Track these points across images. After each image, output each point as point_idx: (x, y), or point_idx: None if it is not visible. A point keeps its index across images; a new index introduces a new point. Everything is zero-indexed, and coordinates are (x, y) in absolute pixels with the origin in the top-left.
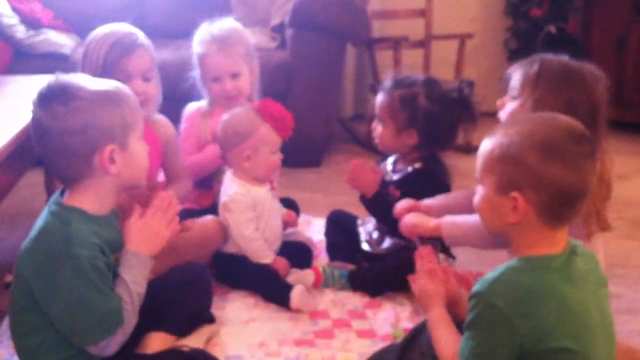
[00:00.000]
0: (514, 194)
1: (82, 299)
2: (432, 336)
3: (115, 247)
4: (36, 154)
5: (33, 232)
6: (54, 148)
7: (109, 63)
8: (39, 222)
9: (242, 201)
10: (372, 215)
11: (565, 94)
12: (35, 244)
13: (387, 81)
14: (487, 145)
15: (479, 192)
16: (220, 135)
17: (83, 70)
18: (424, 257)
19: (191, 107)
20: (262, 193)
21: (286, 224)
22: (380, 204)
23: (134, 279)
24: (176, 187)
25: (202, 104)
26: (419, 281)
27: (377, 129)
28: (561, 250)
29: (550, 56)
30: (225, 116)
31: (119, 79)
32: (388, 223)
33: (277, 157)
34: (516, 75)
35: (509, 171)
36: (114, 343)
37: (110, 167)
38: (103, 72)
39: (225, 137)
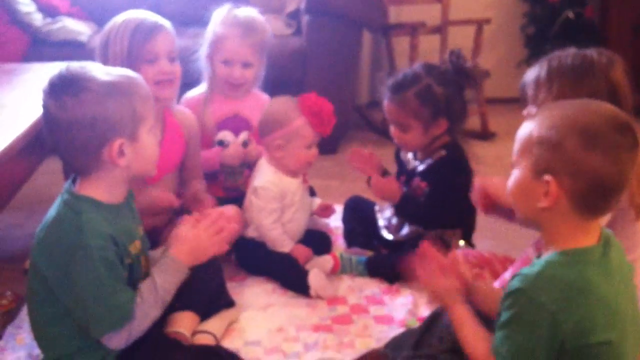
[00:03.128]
0: (547, 177)
1: (90, 289)
2: (458, 336)
3: (132, 234)
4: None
5: (46, 221)
6: (63, 139)
7: (134, 46)
8: (52, 211)
9: (270, 190)
10: (404, 218)
11: (583, 84)
12: (48, 233)
13: (388, 85)
14: (527, 127)
15: (514, 175)
16: (260, 120)
17: (104, 59)
18: (427, 255)
19: (190, 96)
20: (294, 185)
21: (320, 216)
22: (409, 207)
23: (164, 284)
24: (192, 190)
25: (200, 90)
26: (429, 281)
27: (400, 136)
28: (596, 242)
29: (557, 52)
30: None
31: (146, 61)
32: (419, 222)
33: (311, 153)
34: (529, 82)
35: (546, 155)
36: (119, 338)
37: (119, 161)
38: (129, 56)
39: (261, 123)
